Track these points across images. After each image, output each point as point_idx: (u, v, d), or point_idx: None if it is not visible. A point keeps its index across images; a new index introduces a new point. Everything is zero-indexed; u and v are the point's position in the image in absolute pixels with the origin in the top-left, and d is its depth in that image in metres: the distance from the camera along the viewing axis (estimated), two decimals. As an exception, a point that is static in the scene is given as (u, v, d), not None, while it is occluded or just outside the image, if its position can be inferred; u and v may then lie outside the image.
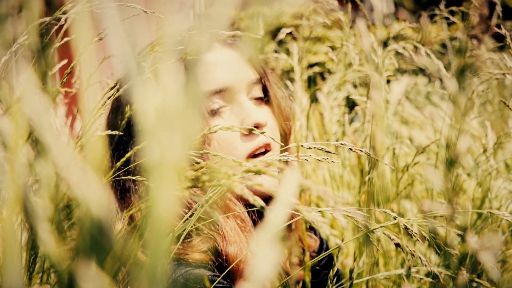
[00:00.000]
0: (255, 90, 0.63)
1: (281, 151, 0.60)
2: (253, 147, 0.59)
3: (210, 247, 0.53)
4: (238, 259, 0.52)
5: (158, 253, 0.19)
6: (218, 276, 0.51)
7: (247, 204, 0.60)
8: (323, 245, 0.77)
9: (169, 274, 0.50)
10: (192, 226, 0.47)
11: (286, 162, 0.43)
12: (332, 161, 0.41)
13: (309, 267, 0.65)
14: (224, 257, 0.53)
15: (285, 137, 0.67)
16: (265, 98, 0.64)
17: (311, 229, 0.77)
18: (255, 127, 0.59)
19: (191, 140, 0.18)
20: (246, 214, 0.59)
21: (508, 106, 0.66)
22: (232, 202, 0.57)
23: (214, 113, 0.60)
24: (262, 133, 0.47)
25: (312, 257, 0.72)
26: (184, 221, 0.46)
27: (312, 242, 0.73)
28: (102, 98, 0.42)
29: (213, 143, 0.57)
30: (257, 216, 0.61)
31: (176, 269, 0.50)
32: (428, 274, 0.53)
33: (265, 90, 0.64)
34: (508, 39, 0.65)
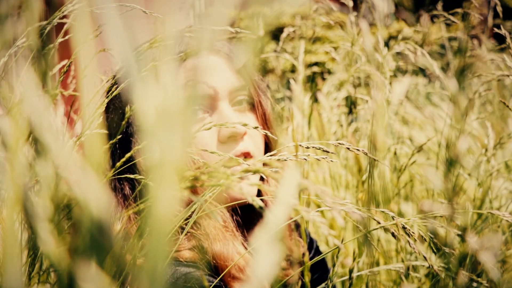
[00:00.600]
0: (239, 97, 0.62)
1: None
2: (229, 155, 0.59)
3: (196, 244, 0.53)
4: (234, 262, 0.52)
5: (159, 253, 0.19)
6: (210, 275, 0.51)
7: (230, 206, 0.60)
8: (312, 245, 0.77)
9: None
10: (175, 225, 0.47)
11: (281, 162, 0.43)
12: (331, 160, 0.41)
13: (309, 267, 0.65)
14: (211, 255, 0.53)
15: (269, 146, 0.66)
16: (250, 106, 0.63)
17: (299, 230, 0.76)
18: (233, 136, 0.58)
19: (190, 140, 0.18)
20: (227, 215, 0.58)
21: (508, 106, 0.66)
22: (212, 204, 0.57)
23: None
24: (245, 125, 0.46)
25: (315, 280, 0.71)
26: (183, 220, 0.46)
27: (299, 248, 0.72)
28: (101, 97, 0.42)
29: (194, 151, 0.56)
30: (241, 218, 0.60)
31: (167, 268, 0.50)
32: (427, 274, 0.53)
33: (251, 97, 0.63)
34: (508, 40, 0.65)
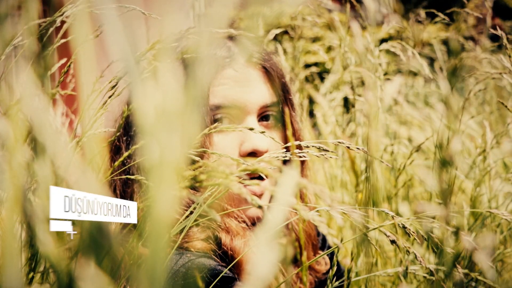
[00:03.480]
0: (268, 113, 0.62)
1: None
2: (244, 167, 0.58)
3: (209, 235, 0.54)
4: (242, 254, 0.53)
5: (158, 252, 0.19)
6: (224, 266, 0.51)
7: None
8: (325, 243, 0.77)
9: (171, 264, 0.50)
10: (193, 222, 0.47)
11: (285, 163, 0.43)
12: (330, 157, 0.41)
13: (307, 267, 0.65)
14: (229, 251, 0.54)
15: (303, 162, 0.65)
16: (279, 122, 0.63)
17: (323, 247, 0.76)
18: (253, 152, 0.58)
19: (190, 140, 0.19)
20: (244, 216, 0.59)
21: (506, 106, 0.66)
22: (230, 208, 0.57)
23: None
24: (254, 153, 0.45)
25: (321, 280, 0.71)
26: (185, 218, 0.46)
27: (322, 266, 0.72)
28: (103, 98, 0.42)
29: (212, 158, 0.56)
30: (254, 224, 0.61)
31: (179, 258, 0.50)
32: (426, 275, 0.53)
33: (281, 113, 0.63)
34: (504, 40, 0.65)
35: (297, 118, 0.67)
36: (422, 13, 0.99)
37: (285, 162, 0.62)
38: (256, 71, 0.61)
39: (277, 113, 0.63)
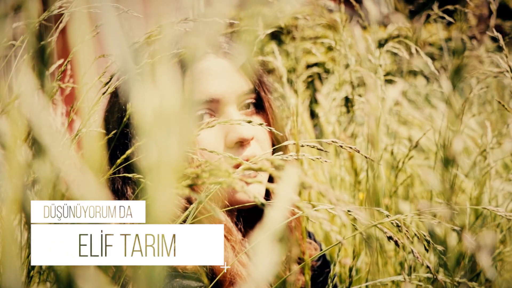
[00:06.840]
0: (247, 100, 0.61)
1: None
2: (236, 161, 0.58)
3: None
4: (221, 273, 0.51)
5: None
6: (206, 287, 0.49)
7: (232, 214, 0.59)
8: (322, 255, 0.77)
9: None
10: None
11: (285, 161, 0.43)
12: (325, 161, 0.41)
13: (309, 265, 0.64)
14: (210, 268, 0.52)
15: (279, 148, 0.65)
16: (259, 109, 0.63)
17: (309, 237, 0.76)
18: (240, 141, 0.57)
19: (187, 140, 0.18)
20: (231, 223, 0.57)
21: (504, 106, 0.66)
22: (214, 209, 0.55)
23: (200, 123, 0.58)
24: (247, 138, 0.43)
25: (312, 266, 0.71)
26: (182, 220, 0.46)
27: (313, 251, 0.71)
28: (97, 95, 0.42)
29: (197, 153, 0.55)
30: (242, 225, 0.60)
31: (165, 280, 0.49)
32: (428, 279, 0.53)
33: (259, 99, 0.63)
34: (501, 41, 0.65)
35: (274, 101, 0.65)
36: (435, 9, 0.98)
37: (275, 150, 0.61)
38: (225, 61, 0.60)
39: (256, 99, 0.62)
